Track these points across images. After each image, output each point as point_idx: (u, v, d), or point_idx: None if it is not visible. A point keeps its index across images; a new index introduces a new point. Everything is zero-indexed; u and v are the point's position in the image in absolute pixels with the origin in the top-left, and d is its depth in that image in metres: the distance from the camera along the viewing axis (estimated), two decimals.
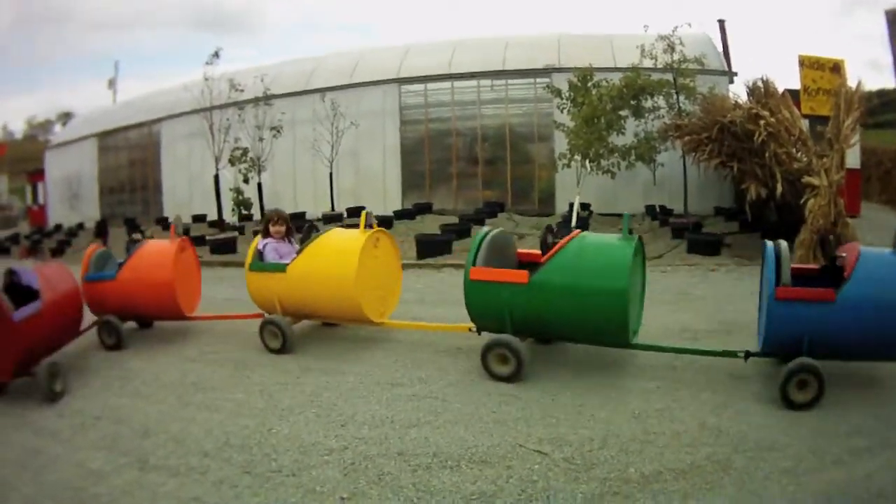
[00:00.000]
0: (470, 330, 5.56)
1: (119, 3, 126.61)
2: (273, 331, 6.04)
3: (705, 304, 7.70)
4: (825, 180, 9.61)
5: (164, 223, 18.25)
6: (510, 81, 17.10)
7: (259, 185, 16.35)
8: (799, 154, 10.23)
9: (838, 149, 9.91)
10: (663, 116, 13.11)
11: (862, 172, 19.35)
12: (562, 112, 13.57)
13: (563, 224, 11.93)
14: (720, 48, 16.65)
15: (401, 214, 15.15)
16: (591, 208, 14.42)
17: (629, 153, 12.96)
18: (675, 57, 13.03)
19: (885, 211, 18.05)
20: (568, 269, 4.93)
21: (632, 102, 13.09)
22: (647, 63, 13.25)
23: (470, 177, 17.41)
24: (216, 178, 16.45)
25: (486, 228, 5.65)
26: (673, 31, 13.14)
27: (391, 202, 16.83)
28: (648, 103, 13.24)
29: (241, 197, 16.49)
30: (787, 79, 15.80)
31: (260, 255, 6.36)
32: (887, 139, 23.86)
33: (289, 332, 6.04)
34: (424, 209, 15.64)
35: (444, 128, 17.75)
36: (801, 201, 9.74)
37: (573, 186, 13.24)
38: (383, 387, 4.97)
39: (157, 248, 6.75)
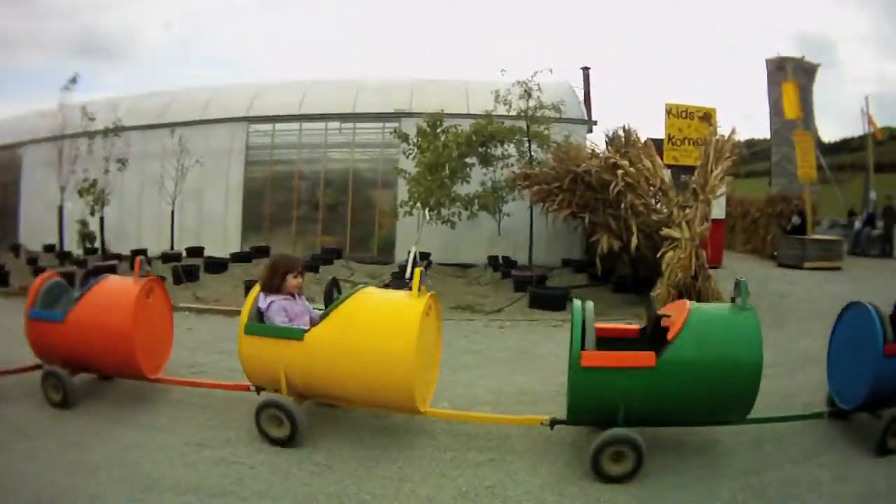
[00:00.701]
0: (544, 423, 4.84)
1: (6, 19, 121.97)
2: (276, 416, 4.82)
3: (546, 363, 7.33)
4: (686, 232, 9.59)
5: (16, 250, 17.68)
6: (359, 125, 16.88)
7: (101, 220, 15.64)
8: (659, 205, 10.22)
9: (704, 199, 9.96)
10: (513, 165, 12.93)
11: (727, 222, 20.13)
12: (407, 158, 13.28)
13: (398, 274, 11.64)
14: (582, 96, 16.82)
15: (238, 257, 14.67)
16: (431, 258, 14.08)
17: (472, 202, 12.74)
18: (531, 103, 12.87)
19: (748, 260, 18.78)
20: (700, 344, 4.48)
21: (480, 150, 12.89)
22: (502, 109, 13.04)
23: (310, 221, 17.09)
24: (60, 209, 15.84)
25: (578, 302, 4.82)
26: (531, 77, 13.00)
27: (231, 244, 16.37)
28: (498, 151, 13.08)
29: (85, 230, 15.88)
30: (657, 130, 16.18)
31: (259, 314, 5.13)
32: (755, 188, 25.23)
33: (300, 418, 4.82)
34: (262, 252, 15.12)
35: (289, 170, 17.41)
36: (658, 255, 9.70)
37: (414, 235, 12.91)
38: (192, 448, 4.75)
39: (117, 287, 5.70)
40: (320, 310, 5.23)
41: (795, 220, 18.04)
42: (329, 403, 5.43)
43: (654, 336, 4.78)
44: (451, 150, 12.37)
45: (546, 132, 12.83)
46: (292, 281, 5.19)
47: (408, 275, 10.85)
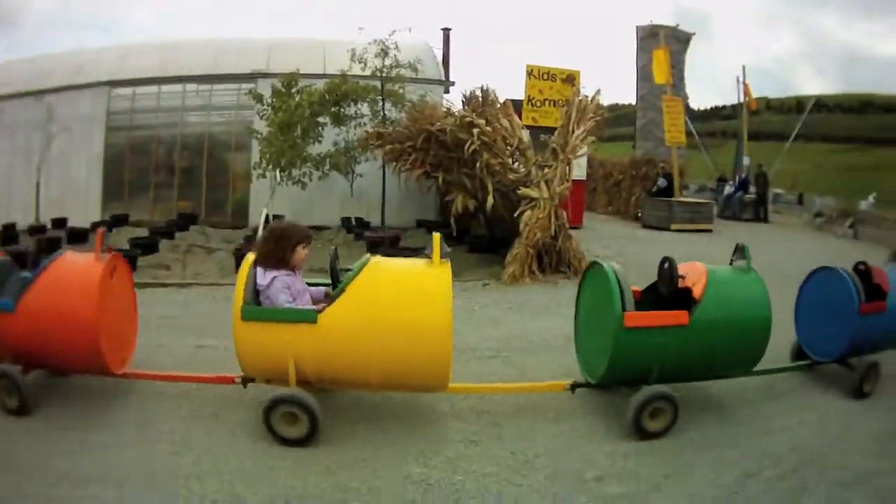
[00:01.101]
0: (566, 388, 5.10)
1: None
2: (292, 413, 4.33)
3: None
4: (545, 192, 9.80)
5: None
6: (216, 87, 16.66)
7: None
8: (516, 165, 10.29)
9: (563, 159, 10.16)
10: (366, 125, 12.86)
11: (588, 184, 20.67)
12: (261, 119, 13.04)
13: (251, 238, 11.44)
14: (441, 57, 16.92)
15: (98, 226, 13.95)
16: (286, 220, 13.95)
17: (323, 163, 12.63)
18: (387, 62, 12.77)
19: (610, 222, 19.39)
20: (721, 303, 4.92)
21: (333, 109, 12.79)
22: (359, 69, 12.89)
23: (167, 187, 16.89)
24: None
25: (607, 265, 4.98)
26: (389, 36, 12.87)
27: (92, 212, 15.99)
28: (351, 110, 12.99)
29: None
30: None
31: (256, 294, 4.53)
32: (619, 152, 26.03)
33: (319, 414, 4.35)
34: (121, 221, 15.00)
35: (148, 135, 17.04)
36: (516, 214, 9.84)
37: (268, 198, 12.79)
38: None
39: (77, 267, 4.86)
40: (316, 284, 4.92)
41: (662, 182, 18.57)
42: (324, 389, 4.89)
43: (655, 297, 5.15)
44: (303, 110, 12.23)
45: (401, 91, 12.77)
46: (301, 253, 4.68)
47: (259, 236, 10.64)
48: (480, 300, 8.69)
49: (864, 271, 6.05)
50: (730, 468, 4.34)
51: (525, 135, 11.08)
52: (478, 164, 9.98)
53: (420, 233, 13.80)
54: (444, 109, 11.52)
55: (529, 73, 14.95)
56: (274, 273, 4.48)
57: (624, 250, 12.56)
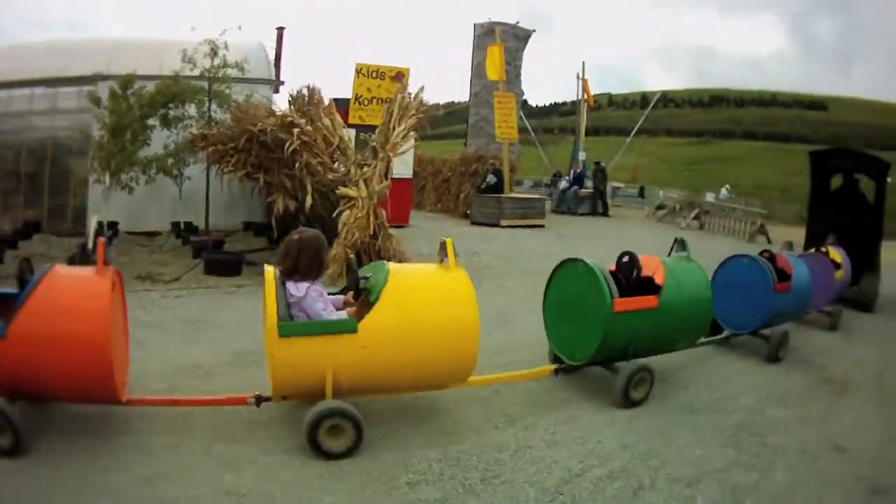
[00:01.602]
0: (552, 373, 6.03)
1: None
2: (340, 426, 4.42)
3: (221, 332, 7.39)
4: (364, 191, 10.08)
5: None
6: (62, 90, 16.22)
7: None
8: (337, 164, 10.62)
9: (383, 157, 10.43)
10: (191, 126, 12.94)
11: (417, 181, 21.30)
12: (98, 123, 12.90)
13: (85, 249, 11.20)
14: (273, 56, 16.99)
15: None
16: (119, 227, 13.97)
17: (150, 166, 12.65)
18: (216, 62, 12.97)
19: (439, 219, 19.97)
20: (677, 288, 6.11)
21: (161, 111, 12.83)
22: (189, 70, 13.01)
23: (13, 194, 16.35)
24: None
25: (591, 263, 5.88)
26: (220, 35, 13.07)
27: None
28: (178, 112, 13.07)
29: None
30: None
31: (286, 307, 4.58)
32: (453, 149, 26.39)
33: (363, 426, 4.50)
34: None
35: None
36: (334, 214, 10.11)
37: (104, 204, 12.68)
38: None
39: (78, 283, 4.52)
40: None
41: (491, 178, 19.28)
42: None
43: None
44: (133, 113, 12.28)
45: (227, 91, 12.98)
46: (325, 261, 4.90)
47: (90, 245, 10.72)
48: None
49: (770, 257, 7.82)
50: (555, 468, 4.56)
51: (348, 134, 11.55)
52: (297, 164, 10.23)
53: (247, 235, 13.98)
54: (267, 109, 11.75)
55: (358, 71, 15.27)
56: (306, 283, 4.63)
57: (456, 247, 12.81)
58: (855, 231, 11.24)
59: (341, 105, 13.99)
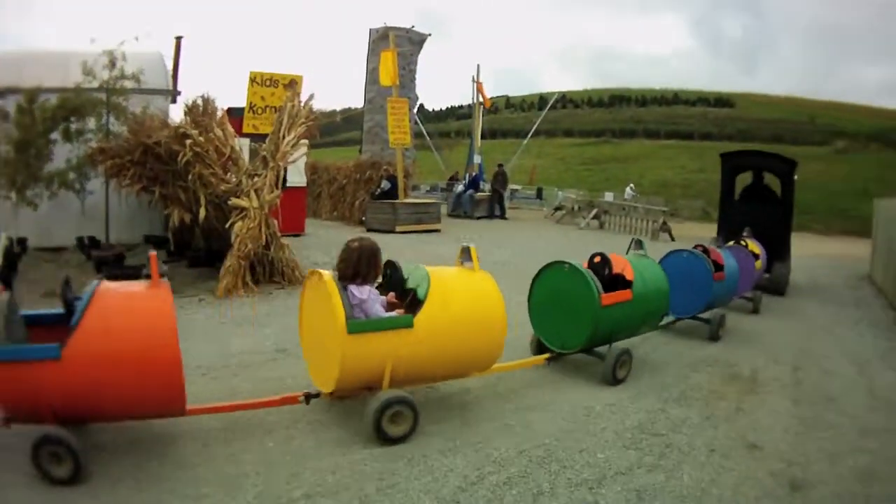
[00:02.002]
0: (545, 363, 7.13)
1: None
2: (401, 413, 5.03)
3: None
4: (255, 201, 10.29)
5: None
6: None
7: None
8: (230, 175, 10.71)
9: (273, 167, 10.69)
10: (91, 140, 12.90)
11: (312, 189, 21.72)
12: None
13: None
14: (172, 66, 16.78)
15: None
16: (28, 243, 14.05)
17: (52, 181, 12.72)
18: (114, 73, 13.03)
19: (335, 227, 20.21)
20: (644, 282, 7.31)
21: (63, 125, 12.84)
22: (90, 81, 13.03)
23: None
24: None
25: (569, 262, 7.03)
26: (119, 46, 13.13)
27: None
28: (80, 125, 13.06)
29: None
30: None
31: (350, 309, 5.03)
32: (349, 156, 26.68)
33: (419, 412, 5.17)
34: None
35: None
36: (227, 225, 10.29)
37: (13, 220, 12.62)
38: None
39: (136, 299, 4.55)
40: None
41: (385, 184, 19.67)
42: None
43: None
44: (37, 127, 12.35)
45: (124, 104, 12.98)
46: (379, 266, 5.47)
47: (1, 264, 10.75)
48: (197, 317, 8.74)
49: (704, 251, 9.35)
50: (451, 476, 4.61)
51: (244, 143, 11.81)
52: (190, 176, 10.43)
53: (147, 249, 13.58)
54: (160, 121, 11.82)
55: (252, 79, 15.44)
56: (367, 287, 5.19)
57: None
58: (766, 225, 12.91)
59: (238, 114, 14.38)
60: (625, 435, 5.50)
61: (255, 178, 10.64)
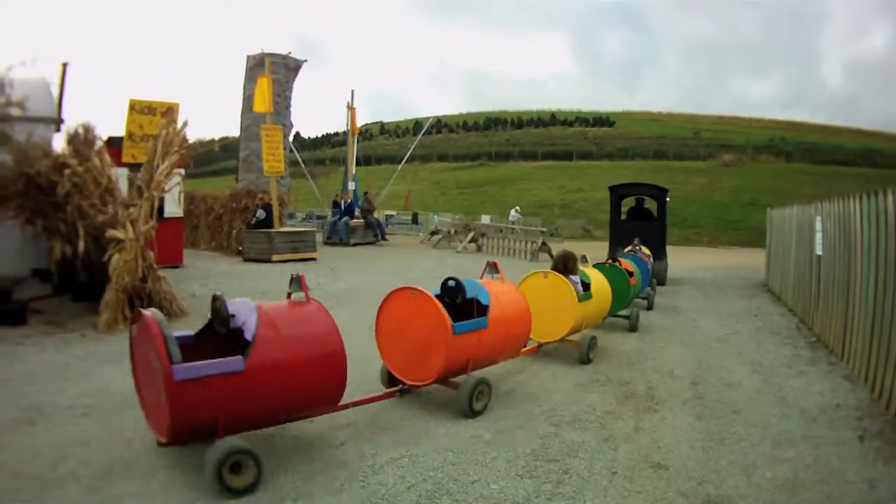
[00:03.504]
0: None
1: None
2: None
3: (7, 387, 7.10)
4: (131, 232, 10.37)
5: None
6: None
7: None
8: (108, 206, 10.63)
9: (148, 197, 10.83)
10: None
11: (190, 220, 21.90)
12: None
13: None
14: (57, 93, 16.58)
15: None
16: None
17: None
18: (0, 100, 12.44)
19: (212, 258, 20.40)
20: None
21: None
22: None
23: None
24: None
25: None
26: (7, 70, 12.58)
27: None
28: None
29: None
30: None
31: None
32: (227, 185, 26.68)
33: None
34: None
35: None
36: (105, 258, 10.30)
37: None
38: None
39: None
40: None
41: (260, 213, 19.93)
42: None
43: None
44: None
45: (9, 133, 12.32)
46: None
47: None
48: (77, 353, 8.63)
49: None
50: None
51: (122, 173, 12.01)
52: (69, 207, 10.43)
53: (35, 282, 13.09)
54: (43, 150, 11.61)
55: (132, 107, 15.59)
56: (574, 277, 9.13)
57: (222, 286, 13.61)
58: (646, 236, 16.91)
59: (119, 144, 14.72)
60: (518, 463, 5.30)
61: (131, 209, 10.77)
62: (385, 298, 6.72)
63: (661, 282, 17.38)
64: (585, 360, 8.71)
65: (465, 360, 6.56)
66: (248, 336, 4.95)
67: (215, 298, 5.21)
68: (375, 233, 27.58)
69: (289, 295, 5.74)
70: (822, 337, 10.53)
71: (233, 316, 5.10)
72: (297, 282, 5.72)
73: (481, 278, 7.74)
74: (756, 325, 12.38)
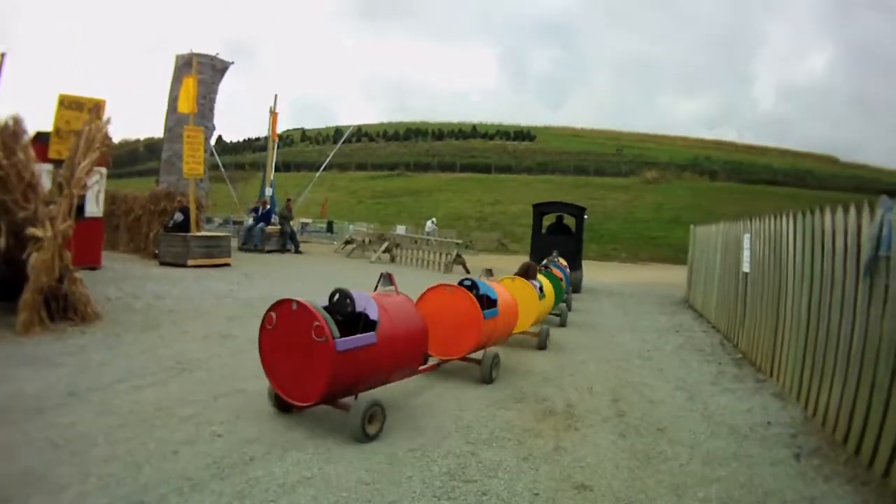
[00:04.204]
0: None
1: None
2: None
3: None
4: (50, 231, 10.16)
5: None
6: None
7: None
8: (30, 203, 10.36)
9: (68, 194, 10.67)
10: None
11: (112, 220, 21.63)
12: None
13: None
14: None
15: None
16: None
17: None
18: None
19: (131, 260, 20.11)
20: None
21: None
22: None
23: None
24: None
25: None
26: None
27: None
28: None
29: None
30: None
31: None
32: (146, 186, 26.75)
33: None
34: None
35: None
36: (24, 256, 10.06)
37: None
38: None
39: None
40: None
41: (178, 216, 19.69)
42: None
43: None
44: None
45: None
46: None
47: None
48: None
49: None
50: None
51: (42, 169, 11.50)
52: None
53: None
54: None
55: (61, 102, 15.42)
56: (535, 282, 11.46)
57: (138, 290, 13.57)
58: (564, 249, 19.28)
59: (45, 140, 14.66)
60: (434, 483, 5.14)
61: (51, 206, 10.61)
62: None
63: (577, 289, 20.06)
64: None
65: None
66: (374, 317, 6.52)
67: (337, 291, 6.69)
68: (286, 242, 27.61)
69: (375, 287, 7.40)
70: (749, 354, 10.70)
71: (355, 303, 6.61)
72: (386, 278, 7.49)
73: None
74: (678, 341, 12.55)
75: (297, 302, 6.10)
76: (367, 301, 6.74)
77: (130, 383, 7.23)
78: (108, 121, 12.05)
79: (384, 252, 27.85)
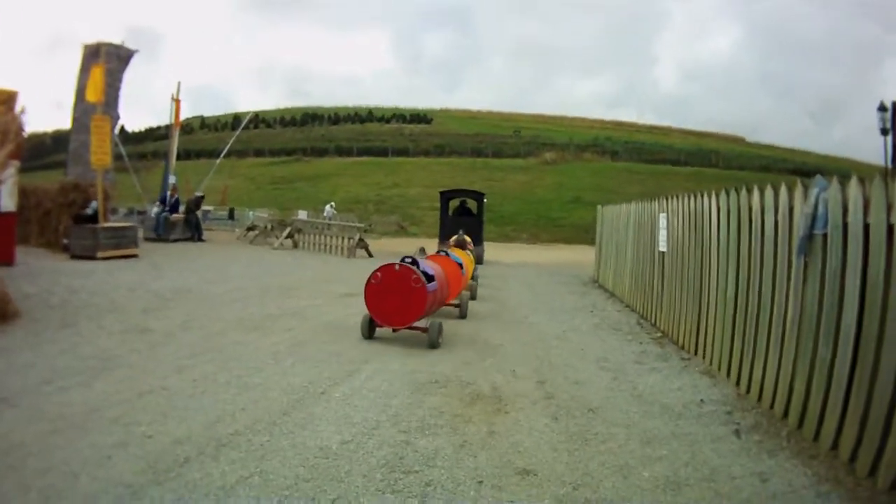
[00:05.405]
0: None
1: None
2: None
3: None
4: None
5: None
6: None
7: None
8: None
9: None
10: None
11: (25, 215, 21.10)
12: None
13: None
14: None
15: None
16: None
17: None
18: None
19: (43, 255, 19.77)
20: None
21: None
22: None
23: None
24: None
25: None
26: None
27: None
28: None
29: None
30: None
31: None
32: (55, 179, 25.67)
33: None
34: None
35: None
36: None
37: None
38: None
39: (438, 260, 12.79)
40: None
41: (94, 205, 19.83)
42: None
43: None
44: None
45: None
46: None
47: None
48: None
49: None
50: None
51: None
52: None
53: None
54: None
55: None
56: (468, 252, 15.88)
57: (52, 286, 13.36)
58: (469, 228, 22.69)
59: None
60: (375, 476, 4.96)
61: None
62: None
63: (479, 262, 21.75)
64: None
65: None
66: (430, 273, 10.20)
67: (407, 257, 10.43)
68: (192, 231, 27.98)
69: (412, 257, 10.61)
70: (669, 333, 10.77)
71: (419, 265, 10.07)
72: (421, 250, 12.60)
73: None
74: (594, 321, 12.58)
75: (399, 264, 9.79)
76: (423, 264, 10.37)
77: (56, 384, 6.95)
78: (23, 110, 12.22)
79: (286, 238, 28.22)
